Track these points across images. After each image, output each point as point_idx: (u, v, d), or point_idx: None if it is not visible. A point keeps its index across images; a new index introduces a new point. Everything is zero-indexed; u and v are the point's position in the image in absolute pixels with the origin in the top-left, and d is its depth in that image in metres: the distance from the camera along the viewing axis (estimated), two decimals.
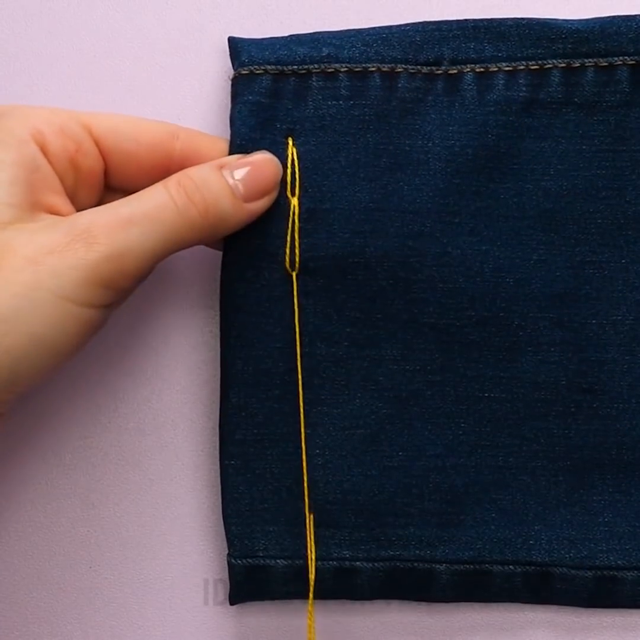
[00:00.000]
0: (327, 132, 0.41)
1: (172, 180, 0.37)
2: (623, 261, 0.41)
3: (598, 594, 0.41)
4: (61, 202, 0.37)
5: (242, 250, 0.40)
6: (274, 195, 0.40)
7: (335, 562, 0.41)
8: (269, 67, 0.41)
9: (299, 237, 0.40)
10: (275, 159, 0.40)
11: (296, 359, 0.40)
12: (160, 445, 0.43)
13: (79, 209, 0.38)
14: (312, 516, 0.40)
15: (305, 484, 0.40)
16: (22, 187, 0.36)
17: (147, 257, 0.36)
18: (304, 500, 0.40)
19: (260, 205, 0.39)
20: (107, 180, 0.39)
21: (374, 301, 0.41)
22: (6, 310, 0.33)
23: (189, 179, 0.37)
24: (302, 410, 0.40)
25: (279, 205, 0.40)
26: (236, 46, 0.41)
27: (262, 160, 0.39)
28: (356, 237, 0.40)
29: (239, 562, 0.41)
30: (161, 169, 0.39)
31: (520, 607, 0.42)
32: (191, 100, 0.43)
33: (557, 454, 0.41)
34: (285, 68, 0.41)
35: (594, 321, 0.41)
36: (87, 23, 0.44)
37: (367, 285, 0.41)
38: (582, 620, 0.42)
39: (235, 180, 0.38)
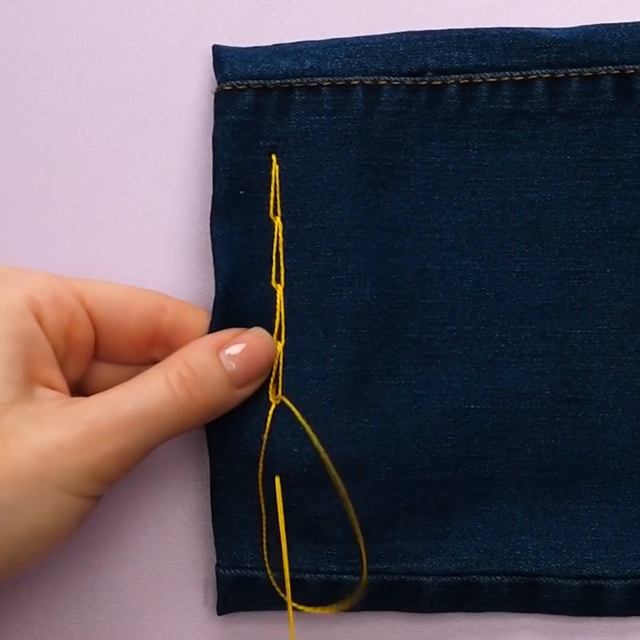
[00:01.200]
0: (310, 148, 0.41)
1: (173, 372, 0.37)
2: (608, 270, 0.41)
3: (585, 603, 0.41)
4: (55, 375, 0.37)
5: (233, 268, 0.41)
6: (264, 379, 0.40)
7: (322, 576, 0.41)
8: (251, 82, 0.41)
9: (283, 258, 0.41)
10: (270, 341, 0.40)
11: (282, 375, 0.41)
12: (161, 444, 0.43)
13: (67, 379, 0.38)
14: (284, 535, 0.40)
15: (280, 508, 0.40)
16: (21, 362, 0.36)
17: (145, 451, 0.37)
18: (290, 515, 0.40)
19: (250, 390, 0.39)
20: (95, 350, 0.40)
21: (360, 317, 0.41)
22: (11, 500, 0.34)
23: (191, 371, 0.37)
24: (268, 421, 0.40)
25: (263, 227, 0.41)
26: (220, 57, 0.41)
27: (258, 345, 0.39)
28: (338, 255, 0.41)
29: (227, 572, 0.41)
30: (148, 340, 0.39)
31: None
32: (191, 100, 0.43)
33: (543, 464, 0.41)
34: (268, 82, 0.41)
35: (578, 331, 0.41)
36: (87, 23, 0.44)
37: (352, 301, 0.41)
38: (575, 626, 0.42)
39: (232, 367, 0.38)
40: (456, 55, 0.41)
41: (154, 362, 0.39)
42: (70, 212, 0.43)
